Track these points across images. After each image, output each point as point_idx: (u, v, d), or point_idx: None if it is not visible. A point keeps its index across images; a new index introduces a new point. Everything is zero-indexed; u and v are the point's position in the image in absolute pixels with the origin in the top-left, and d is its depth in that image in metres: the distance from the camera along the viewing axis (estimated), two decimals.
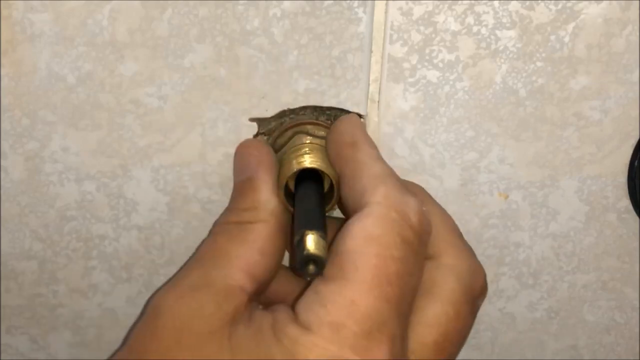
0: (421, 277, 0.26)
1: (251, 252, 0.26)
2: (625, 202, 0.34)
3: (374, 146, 0.29)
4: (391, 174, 0.27)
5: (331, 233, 0.29)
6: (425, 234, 0.26)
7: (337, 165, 0.29)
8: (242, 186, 0.29)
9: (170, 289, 0.26)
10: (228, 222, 0.28)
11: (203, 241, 0.28)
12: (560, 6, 0.29)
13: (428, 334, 0.26)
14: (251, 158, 0.30)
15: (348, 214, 0.27)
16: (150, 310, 0.26)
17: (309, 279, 0.27)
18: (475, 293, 0.27)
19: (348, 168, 0.28)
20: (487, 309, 0.37)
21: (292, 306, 0.25)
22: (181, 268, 0.28)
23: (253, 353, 0.24)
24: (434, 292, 0.26)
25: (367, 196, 0.26)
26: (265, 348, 0.24)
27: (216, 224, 0.29)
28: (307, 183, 0.29)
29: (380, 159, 0.28)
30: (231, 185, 0.33)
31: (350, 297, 0.24)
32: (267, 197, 0.28)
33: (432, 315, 0.26)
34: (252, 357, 0.24)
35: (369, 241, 0.24)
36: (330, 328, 0.23)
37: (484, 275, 0.28)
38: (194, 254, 0.28)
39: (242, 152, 0.31)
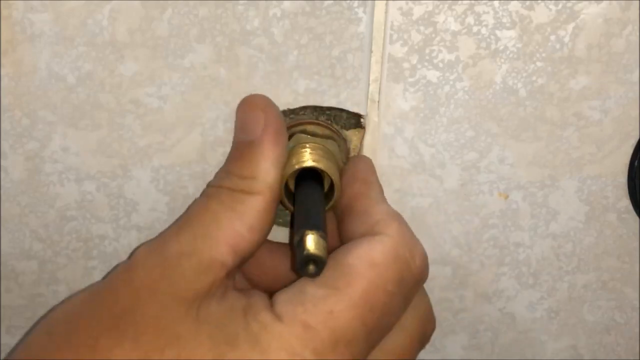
0: (400, 316, 0.27)
1: (240, 227, 0.26)
2: (625, 202, 0.34)
3: (382, 191, 0.30)
4: (401, 216, 0.28)
5: (331, 225, 0.29)
6: (421, 281, 0.27)
7: (348, 198, 0.29)
8: (242, 148, 0.28)
9: (158, 248, 0.26)
10: (222, 187, 0.27)
11: (195, 201, 0.28)
12: (560, 6, 0.29)
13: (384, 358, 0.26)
14: (258, 118, 0.28)
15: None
16: (134, 259, 0.26)
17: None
18: (427, 335, 0.28)
19: (360, 202, 0.28)
20: (487, 309, 0.37)
21: (270, 295, 0.26)
22: (171, 226, 0.27)
23: (217, 328, 0.24)
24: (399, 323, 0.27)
25: (381, 227, 0.26)
26: (232, 327, 0.24)
27: (210, 184, 0.28)
28: (307, 183, 0.29)
29: (387, 202, 0.29)
30: None
31: (331, 307, 0.24)
32: (267, 168, 0.27)
33: (391, 343, 0.26)
34: (214, 332, 0.24)
35: (371, 266, 0.25)
36: (301, 326, 0.24)
37: (435, 322, 0.29)
38: (185, 212, 0.28)
39: (248, 108, 0.29)
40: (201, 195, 0.28)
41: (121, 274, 0.26)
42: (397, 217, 0.27)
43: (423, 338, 0.28)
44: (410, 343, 0.27)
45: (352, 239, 0.27)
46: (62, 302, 0.27)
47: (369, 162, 0.31)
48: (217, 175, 0.29)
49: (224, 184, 0.27)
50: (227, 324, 0.24)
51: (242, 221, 0.26)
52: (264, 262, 0.30)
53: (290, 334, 0.24)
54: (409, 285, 0.26)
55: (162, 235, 0.27)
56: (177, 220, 0.28)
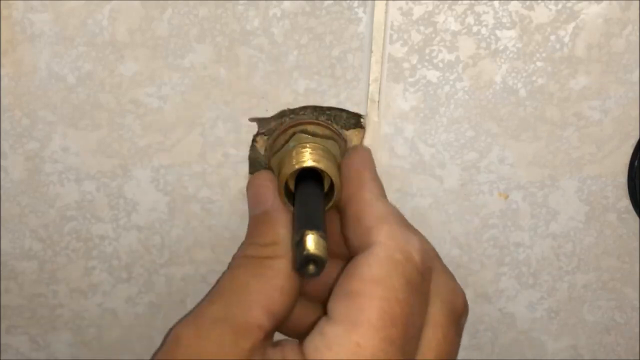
0: (425, 310, 0.27)
1: (271, 290, 0.27)
2: (625, 202, 0.34)
3: (379, 184, 0.30)
4: (394, 212, 0.28)
5: (332, 225, 0.29)
6: (427, 271, 0.27)
7: (343, 202, 0.29)
8: (258, 220, 0.30)
9: (192, 320, 0.26)
10: (247, 257, 0.28)
11: (223, 274, 0.29)
12: (560, 6, 0.29)
13: None
14: (267, 191, 0.30)
15: (353, 251, 0.28)
16: (170, 339, 0.26)
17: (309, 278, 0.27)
18: (458, 313, 0.28)
19: (352, 206, 0.29)
20: (487, 309, 0.37)
21: (301, 343, 0.26)
22: (202, 300, 0.28)
23: None
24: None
25: (373, 235, 0.27)
26: None
27: (235, 257, 0.29)
28: (307, 182, 0.29)
29: (383, 197, 0.29)
30: (231, 185, 0.33)
31: (355, 340, 0.24)
32: (285, 233, 0.28)
33: (423, 342, 0.26)
34: None
35: (374, 283, 0.25)
36: None
37: (464, 295, 0.29)
38: (214, 286, 0.28)
39: (256, 185, 0.31)
40: (228, 267, 0.29)
41: (163, 357, 0.26)
42: (387, 219, 0.27)
43: (454, 318, 0.28)
44: (442, 333, 0.27)
45: (351, 246, 0.28)
46: None
47: (364, 156, 0.31)
48: (240, 248, 0.29)
49: (249, 253, 0.28)
50: None
51: (272, 285, 0.27)
52: (298, 320, 0.30)
53: None
54: (417, 281, 0.26)
55: (194, 310, 0.27)
56: (207, 295, 0.28)
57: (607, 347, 0.39)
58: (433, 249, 0.29)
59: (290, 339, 0.28)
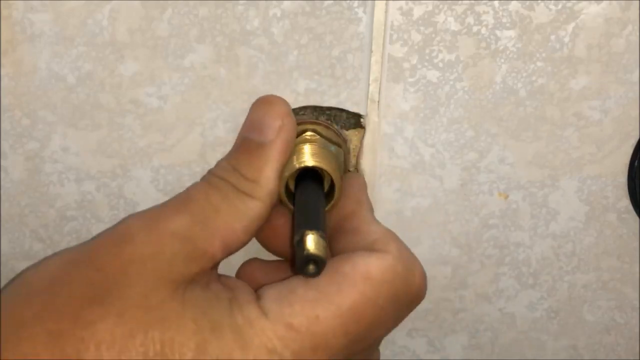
0: (387, 334, 0.27)
1: (236, 226, 0.26)
2: (625, 202, 0.34)
3: (372, 209, 0.30)
4: (397, 236, 0.28)
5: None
6: (418, 300, 0.27)
7: (340, 217, 0.29)
8: (251, 147, 0.28)
9: (151, 223, 0.25)
10: (227, 181, 0.27)
11: (195, 186, 0.27)
12: (560, 6, 0.29)
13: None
14: (275, 122, 0.28)
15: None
16: (124, 232, 0.25)
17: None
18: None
19: (353, 221, 0.29)
20: (487, 309, 0.37)
21: (256, 288, 0.26)
22: (170, 201, 0.27)
23: (202, 314, 0.24)
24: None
25: (380, 245, 0.27)
26: (217, 315, 0.24)
27: (214, 173, 0.27)
28: (308, 182, 0.29)
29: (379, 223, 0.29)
30: None
31: (318, 311, 0.24)
32: (270, 176, 0.27)
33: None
34: (199, 317, 0.24)
35: (365, 278, 0.25)
36: (285, 326, 0.24)
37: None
38: (184, 194, 0.27)
39: (268, 109, 0.28)
40: (203, 179, 0.28)
41: (110, 245, 0.25)
42: (395, 237, 0.27)
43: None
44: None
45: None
46: (39, 263, 0.26)
47: (360, 180, 0.32)
48: (221, 165, 0.28)
49: (230, 178, 0.27)
50: (213, 312, 0.24)
51: (241, 222, 0.26)
52: (278, 228, 0.30)
53: (273, 332, 0.24)
54: (404, 304, 0.26)
55: (157, 210, 0.26)
56: (175, 198, 0.27)
57: (607, 347, 0.39)
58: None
59: (235, 278, 0.28)
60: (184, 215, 0.26)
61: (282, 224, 0.30)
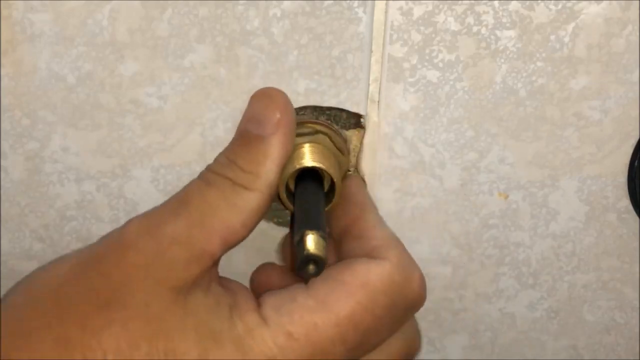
0: (386, 338, 0.27)
1: (235, 221, 0.26)
2: (625, 202, 0.34)
3: (378, 211, 0.30)
4: (400, 241, 0.28)
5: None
6: (416, 307, 0.27)
7: (345, 222, 0.29)
8: (250, 140, 0.27)
9: (152, 228, 0.25)
10: (223, 176, 0.27)
11: (193, 183, 0.27)
12: (560, 6, 0.29)
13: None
14: (274, 114, 0.27)
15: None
16: (127, 237, 0.25)
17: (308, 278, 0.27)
18: (413, 355, 0.29)
19: (357, 226, 0.29)
20: (487, 309, 0.37)
21: (258, 295, 0.26)
22: (167, 203, 0.27)
23: (203, 322, 0.24)
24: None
25: (381, 252, 0.27)
26: (217, 323, 0.24)
27: (211, 170, 0.27)
28: (308, 182, 0.29)
29: (386, 224, 0.29)
30: None
31: (316, 320, 0.25)
32: (271, 168, 0.27)
33: None
34: (200, 326, 0.24)
35: (363, 287, 0.25)
36: (285, 334, 0.24)
37: (420, 339, 0.29)
38: (182, 193, 0.27)
39: (266, 101, 0.28)
40: (200, 177, 0.27)
41: (113, 251, 0.25)
42: (397, 243, 0.27)
43: (406, 357, 0.28)
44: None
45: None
46: (45, 268, 0.26)
47: (361, 183, 0.32)
48: (218, 160, 0.28)
49: (227, 173, 0.27)
50: (214, 320, 0.25)
51: (239, 217, 0.26)
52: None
53: (272, 340, 0.24)
54: (401, 311, 0.26)
55: (156, 213, 0.26)
56: (173, 198, 0.27)
57: (607, 347, 0.39)
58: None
59: (237, 281, 0.28)
60: (182, 218, 0.26)
61: None
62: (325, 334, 0.25)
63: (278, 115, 0.27)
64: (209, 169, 0.28)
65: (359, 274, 0.26)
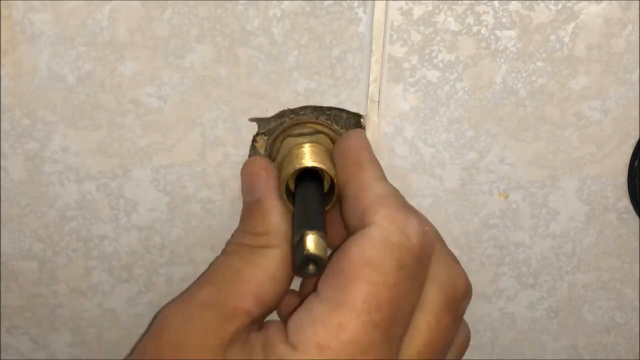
0: (419, 296, 0.26)
1: (263, 277, 0.27)
2: (625, 202, 0.34)
3: (378, 166, 0.29)
4: (394, 194, 0.27)
5: (333, 228, 0.29)
6: (425, 255, 0.26)
7: (341, 183, 0.29)
8: (252, 207, 0.29)
9: (180, 305, 0.27)
10: (241, 244, 0.29)
11: (216, 260, 0.29)
12: (560, 6, 0.29)
13: (411, 346, 0.26)
14: (259, 180, 0.30)
15: (350, 234, 0.27)
16: (157, 324, 0.27)
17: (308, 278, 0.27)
18: (457, 298, 0.27)
19: (351, 188, 0.28)
20: (487, 309, 0.37)
21: (286, 320, 0.26)
22: (193, 284, 0.28)
23: None
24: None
25: (369, 216, 0.26)
26: None
27: (229, 244, 0.29)
28: (307, 182, 0.29)
29: (383, 179, 0.28)
30: (231, 185, 0.33)
31: (337, 321, 0.24)
32: (278, 222, 0.28)
33: (414, 327, 0.26)
34: None
35: (364, 266, 0.25)
36: (316, 349, 0.24)
37: (466, 279, 0.28)
38: (206, 271, 0.29)
39: (249, 172, 0.31)
40: (222, 253, 0.29)
41: (149, 341, 0.26)
42: (385, 200, 0.27)
43: (451, 303, 0.27)
44: (436, 319, 0.26)
45: (349, 227, 0.27)
46: None
47: (360, 137, 0.30)
48: (234, 235, 0.30)
49: (243, 241, 0.29)
50: None
51: (265, 273, 0.27)
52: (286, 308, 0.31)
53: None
54: (412, 266, 0.25)
55: (184, 293, 0.28)
56: (199, 278, 0.28)
57: (607, 347, 0.39)
58: (434, 231, 0.28)
59: (278, 320, 0.28)
60: (209, 287, 0.27)
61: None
62: (354, 329, 0.24)
63: (263, 175, 0.30)
64: (227, 243, 0.29)
65: (355, 256, 0.25)
